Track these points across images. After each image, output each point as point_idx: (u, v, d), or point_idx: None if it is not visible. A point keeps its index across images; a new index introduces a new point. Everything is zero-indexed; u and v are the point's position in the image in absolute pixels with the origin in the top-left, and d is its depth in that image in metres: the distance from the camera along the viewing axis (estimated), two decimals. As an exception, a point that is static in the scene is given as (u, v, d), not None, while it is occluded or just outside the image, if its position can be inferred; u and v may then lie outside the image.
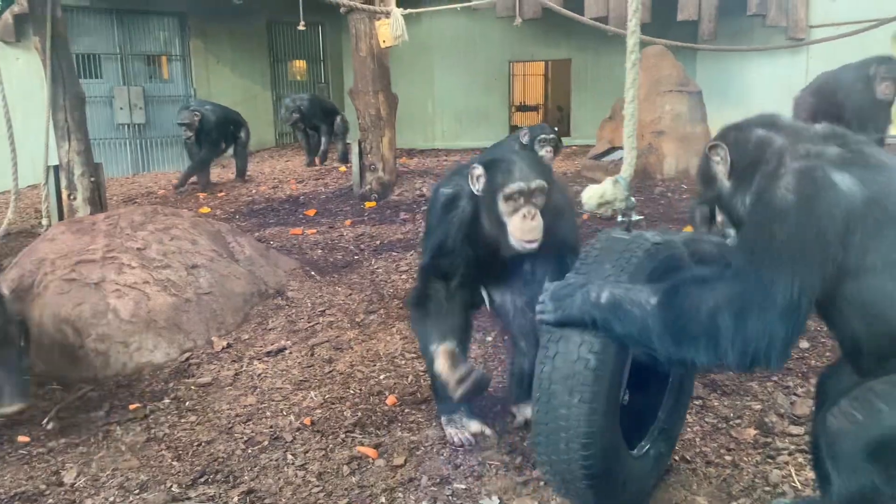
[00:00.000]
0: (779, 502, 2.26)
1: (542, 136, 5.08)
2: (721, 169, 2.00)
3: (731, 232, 2.10)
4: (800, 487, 2.36)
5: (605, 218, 2.46)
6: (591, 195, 2.38)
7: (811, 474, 2.39)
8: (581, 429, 1.97)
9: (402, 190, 7.48)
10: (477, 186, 2.50)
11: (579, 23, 7.48)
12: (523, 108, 14.52)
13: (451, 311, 2.70)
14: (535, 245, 2.42)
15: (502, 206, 2.44)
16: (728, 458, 2.55)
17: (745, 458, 2.53)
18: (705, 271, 1.88)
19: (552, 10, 7.45)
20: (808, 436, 2.62)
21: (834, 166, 1.69)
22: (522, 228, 2.42)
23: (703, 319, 1.72)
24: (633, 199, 2.42)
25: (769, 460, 2.52)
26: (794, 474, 2.42)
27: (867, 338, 1.72)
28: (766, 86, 9.56)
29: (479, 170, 2.48)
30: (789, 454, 2.54)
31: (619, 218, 2.39)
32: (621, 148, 6.49)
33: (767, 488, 2.37)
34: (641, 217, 2.48)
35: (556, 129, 5.32)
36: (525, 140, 5.08)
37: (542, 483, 2.50)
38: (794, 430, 2.70)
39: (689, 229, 5.39)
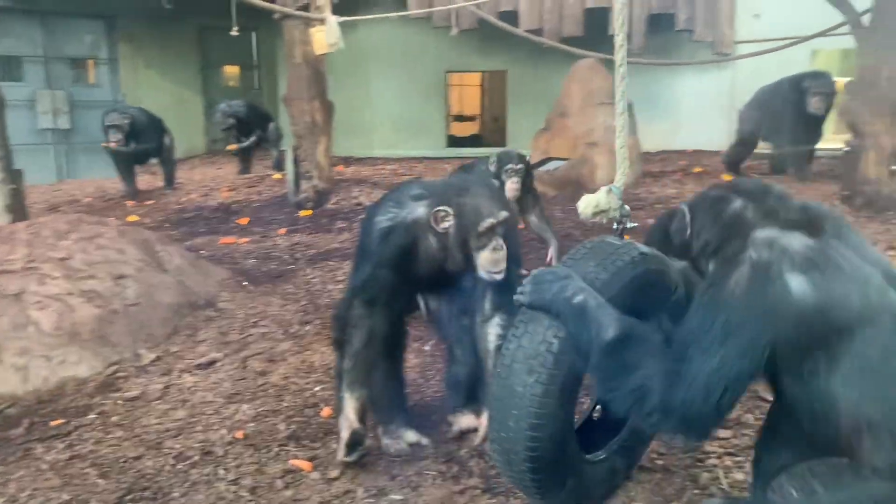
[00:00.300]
0: (708, 502, 2.32)
1: (510, 166, 4.69)
2: (687, 230, 2.03)
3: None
4: (728, 489, 2.42)
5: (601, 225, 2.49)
6: (586, 204, 2.44)
7: (739, 476, 2.46)
8: (532, 409, 2.01)
9: (338, 198, 7.42)
10: (442, 225, 2.51)
11: (515, 34, 7.57)
12: (460, 118, 14.60)
13: (371, 352, 2.67)
14: (502, 275, 2.49)
15: (473, 243, 2.49)
16: (660, 462, 2.59)
17: (676, 463, 2.59)
18: (656, 336, 1.89)
19: (488, 22, 7.52)
20: (734, 439, 2.70)
21: (793, 267, 1.69)
22: (492, 260, 2.49)
23: (634, 383, 1.79)
24: (626, 207, 2.48)
25: (698, 464, 2.58)
26: (722, 476, 2.48)
27: (810, 429, 1.75)
28: (694, 99, 9.89)
29: (444, 212, 2.50)
30: (717, 457, 2.61)
31: (614, 225, 2.45)
32: (556, 158, 6.50)
33: (697, 491, 2.42)
34: (636, 224, 2.55)
35: (525, 156, 4.94)
36: (493, 168, 4.73)
37: (478, 491, 2.50)
38: (723, 433, 2.77)
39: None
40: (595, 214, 2.42)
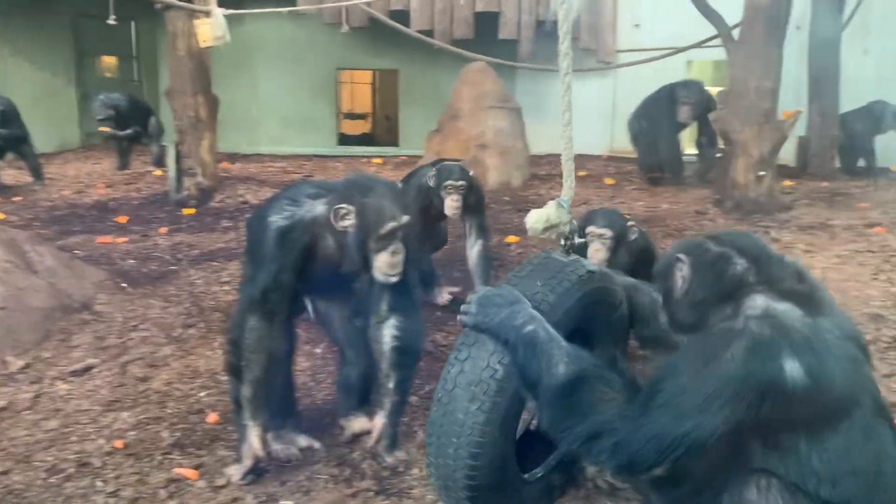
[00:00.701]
0: None
1: (450, 182, 4.14)
2: (679, 282, 1.92)
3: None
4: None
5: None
6: (536, 219, 2.31)
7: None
8: (473, 437, 1.96)
9: (223, 196, 7.19)
10: (342, 224, 2.44)
11: (406, 34, 7.59)
12: (351, 115, 14.47)
13: (271, 374, 2.58)
14: (398, 278, 2.47)
15: (372, 245, 2.44)
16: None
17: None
18: (607, 375, 1.82)
19: (379, 20, 7.50)
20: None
21: (791, 350, 1.62)
22: (390, 263, 2.45)
23: (586, 427, 1.73)
24: (574, 222, 2.39)
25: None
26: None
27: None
28: (579, 105, 10.18)
29: (346, 209, 2.43)
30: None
31: (562, 241, 2.34)
32: (449, 159, 6.55)
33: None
34: (583, 240, 2.49)
35: (469, 171, 4.32)
36: (431, 182, 4.19)
37: (371, 493, 2.49)
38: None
39: (513, 239, 5.61)
40: (546, 230, 2.31)
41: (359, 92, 15.14)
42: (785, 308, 1.70)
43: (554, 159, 9.99)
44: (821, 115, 7.99)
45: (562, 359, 1.83)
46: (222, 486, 2.53)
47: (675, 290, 1.92)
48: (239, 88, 10.58)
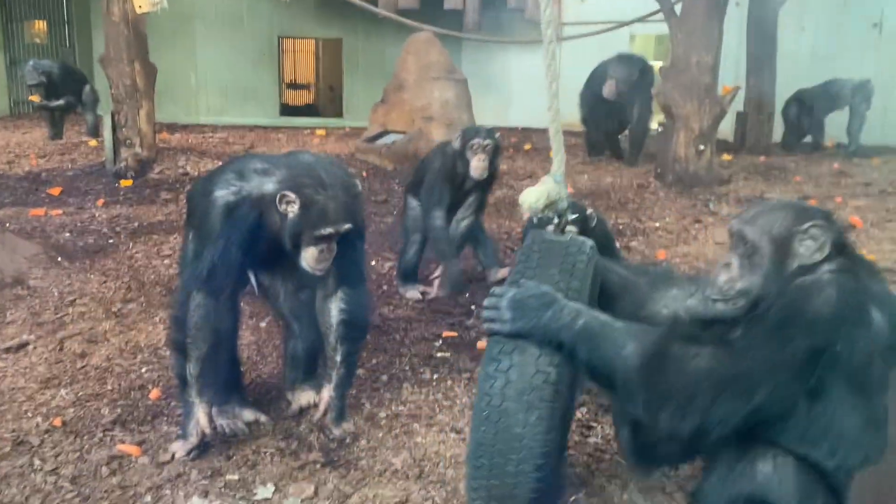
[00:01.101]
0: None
1: (476, 140, 3.95)
2: (808, 249, 1.80)
3: None
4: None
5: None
6: (537, 197, 2.20)
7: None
8: (536, 449, 1.81)
9: (162, 167, 7.00)
10: (286, 209, 2.37)
11: (350, 3, 7.45)
12: (294, 86, 14.20)
13: (218, 352, 2.52)
14: (324, 272, 2.45)
15: (306, 238, 2.38)
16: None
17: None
18: (698, 336, 1.77)
19: (323, -12, 7.34)
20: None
21: (872, 301, 1.64)
22: (318, 259, 2.40)
23: (683, 391, 1.66)
24: (569, 198, 2.30)
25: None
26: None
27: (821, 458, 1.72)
28: (525, 77, 10.22)
29: (292, 197, 2.34)
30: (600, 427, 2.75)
31: (555, 219, 2.26)
32: (395, 131, 6.34)
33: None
34: (576, 216, 2.41)
35: (495, 132, 4.11)
36: (457, 145, 4.01)
37: (318, 466, 2.49)
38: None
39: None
40: (546, 208, 2.21)
41: (301, 61, 14.86)
42: (858, 269, 1.73)
43: (499, 132, 10.02)
44: (758, 90, 8.18)
45: (627, 338, 1.76)
46: (166, 462, 2.49)
47: (790, 262, 1.81)
48: (177, 57, 10.28)
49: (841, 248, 1.79)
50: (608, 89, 7.48)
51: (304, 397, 2.84)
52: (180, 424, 2.58)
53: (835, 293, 1.63)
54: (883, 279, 1.79)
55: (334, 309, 2.59)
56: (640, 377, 1.71)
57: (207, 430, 2.50)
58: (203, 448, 2.52)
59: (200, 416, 2.49)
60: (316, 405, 2.73)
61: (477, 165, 3.95)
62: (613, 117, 7.94)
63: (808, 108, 8.19)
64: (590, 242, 2.04)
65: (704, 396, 1.64)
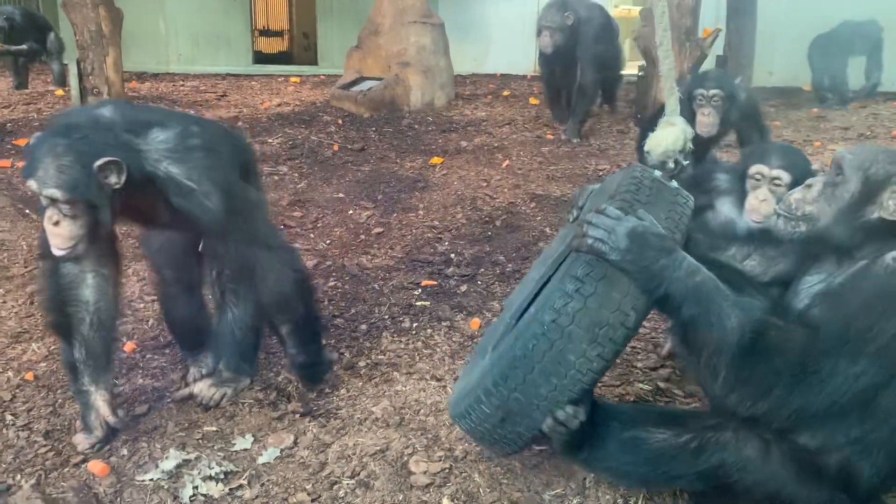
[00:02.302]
0: None
1: (700, 91, 3.39)
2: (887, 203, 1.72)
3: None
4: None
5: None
6: (674, 139, 2.09)
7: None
8: (583, 383, 1.76)
9: (133, 118, 6.81)
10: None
11: (322, -55, 7.21)
12: (267, 32, 13.83)
13: (107, 328, 2.29)
14: (64, 252, 2.06)
15: None
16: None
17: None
18: (788, 327, 1.70)
19: (294, -71, 7.07)
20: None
21: None
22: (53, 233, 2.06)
23: (767, 375, 1.63)
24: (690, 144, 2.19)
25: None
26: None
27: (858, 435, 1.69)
28: (502, 23, 10.02)
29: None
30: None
31: (670, 164, 2.16)
32: (370, 78, 6.17)
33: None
34: (688, 163, 2.28)
35: (731, 79, 3.58)
36: (681, 94, 3.22)
37: (297, 416, 2.47)
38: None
39: (437, 160, 5.53)
40: (682, 149, 2.11)
41: (274, 7, 14.44)
42: None
43: (478, 79, 9.90)
44: (739, 34, 8.07)
45: (732, 310, 1.66)
46: (142, 414, 2.46)
47: (870, 209, 1.73)
48: (144, 3, 9.93)
49: None
50: (542, 42, 6.20)
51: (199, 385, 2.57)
52: (81, 416, 2.33)
53: None
54: None
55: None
56: (732, 353, 1.64)
57: (111, 419, 2.27)
58: (109, 439, 2.29)
59: (100, 404, 2.26)
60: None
61: (701, 121, 3.33)
62: (563, 75, 6.57)
63: (824, 58, 7.54)
64: (692, 198, 1.93)
65: (785, 384, 1.61)
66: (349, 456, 2.25)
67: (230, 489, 2.11)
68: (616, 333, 1.72)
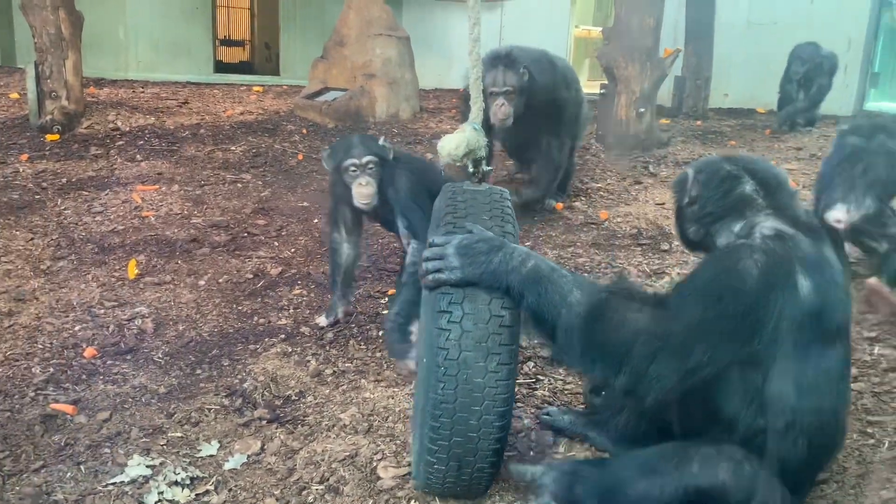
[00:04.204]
0: (548, 410, 2.43)
1: (353, 161, 2.96)
2: (690, 195, 1.98)
3: None
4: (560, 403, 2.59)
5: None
6: (456, 144, 2.13)
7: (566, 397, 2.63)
8: (500, 395, 1.77)
9: (91, 122, 6.69)
10: None
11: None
12: (228, 42, 13.73)
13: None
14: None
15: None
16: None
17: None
18: (639, 295, 1.80)
19: (260, -62, 7.05)
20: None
21: (803, 268, 1.66)
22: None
23: (620, 344, 1.67)
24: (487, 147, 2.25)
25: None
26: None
27: (741, 423, 1.75)
28: (465, 38, 10.11)
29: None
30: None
31: (470, 168, 2.20)
32: (335, 88, 6.17)
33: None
34: (491, 168, 2.37)
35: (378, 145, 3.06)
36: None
37: (264, 422, 2.44)
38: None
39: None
40: (465, 156, 2.15)
41: (236, 17, 14.36)
42: (794, 233, 1.75)
43: (441, 93, 9.96)
44: (696, 55, 8.28)
45: (573, 285, 1.74)
46: (105, 420, 2.41)
47: (686, 204, 1.99)
48: (104, 8, 9.77)
49: (784, 209, 1.82)
50: (498, 113, 4.14)
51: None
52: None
53: (762, 258, 1.65)
54: (825, 239, 1.82)
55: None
56: (581, 325, 1.71)
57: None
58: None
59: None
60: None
61: (358, 192, 2.97)
62: (523, 149, 4.83)
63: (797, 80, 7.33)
64: (506, 190, 2.03)
65: (640, 353, 1.65)
66: (318, 462, 2.23)
67: (196, 495, 2.07)
68: (502, 337, 1.76)
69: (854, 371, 2.68)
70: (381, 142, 3.03)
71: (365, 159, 2.92)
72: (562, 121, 4.51)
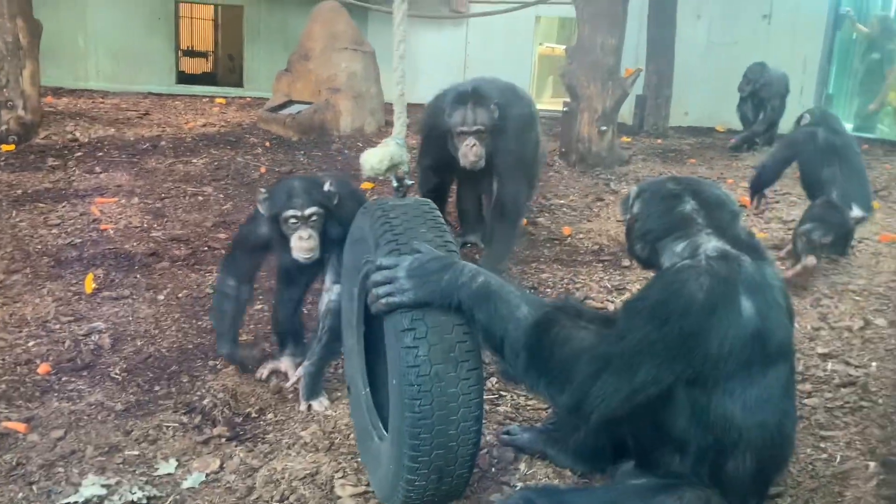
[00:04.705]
0: (509, 428, 2.44)
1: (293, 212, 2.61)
2: (633, 213, 2.04)
3: None
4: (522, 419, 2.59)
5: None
6: (380, 158, 2.16)
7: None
8: (475, 399, 1.81)
9: (49, 132, 6.57)
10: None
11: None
12: (191, 52, 13.59)
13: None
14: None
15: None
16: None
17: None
18: (587, 313, 1.84)
19: (225, -50, 7.03)
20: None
21: (746, 290, 1.70)
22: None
23: (565, 362, 1.70)
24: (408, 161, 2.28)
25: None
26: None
27: (691, 442, 1.77)
28: (432, 53, 10.17)
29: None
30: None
31: (394, 183, 2.23)
32: (300, 102, 6.17)
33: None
34: (413, 182, 2.38)
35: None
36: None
37: (223, 440, 2.41)
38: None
39: (368, 185, 5.54)
40: (388, 170, 2.19)
41: (200, 28, 14.23)
42: (737, 253, 1.78)
43: (408, 108, 9.93)
44: (657, 75, 8.44)
45: (521, 301, 1.78)
46: (59, 439, 2.35)
47: (629, 220, 2.04)
48: (63, 17, 9.62)
49: (725, 229, 1.86)
50: (467, 155, 3.72)
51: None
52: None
53: (707, 281, 1.68)
54: (767, 258, 1.86)
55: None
56: (527, 342, 1.73)
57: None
58: None
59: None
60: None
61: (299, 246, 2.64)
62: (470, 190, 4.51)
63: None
64: (431, 202, 2.07)
65: (584, 371, 1.68)
66: (278, 480, 2.20)
67: (153, 515, 2.04)
68: (471, 343, 1.81)
69: (808, 387, 2.75)
70: (326, 187, 2.65)
71: (308, 211, 2.57)
72: (524, 164, 4.05)
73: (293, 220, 2.59)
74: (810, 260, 3.74)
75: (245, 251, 2.83)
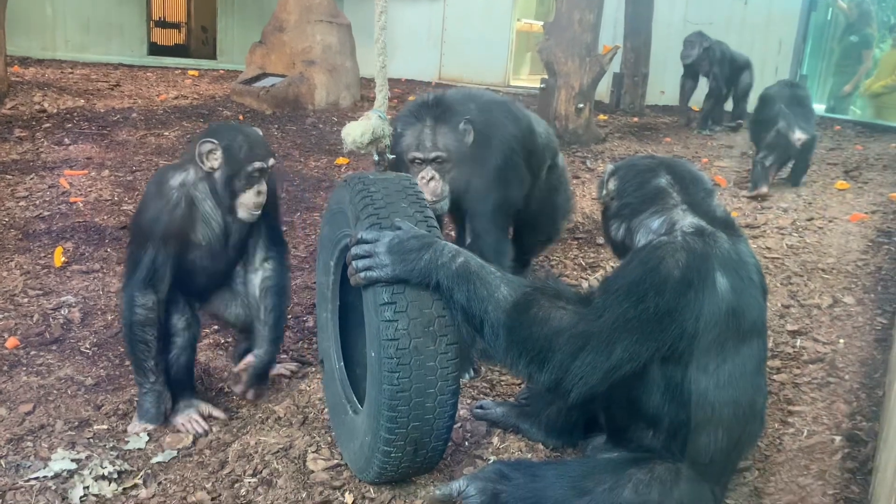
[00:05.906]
0: (482, 403, 2.45)
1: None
2: (609, 190, 2.03)
3: None
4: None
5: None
6: (362, 132, 2.13)
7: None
8: (452, 373, 1.83)
9: (15, 103, 6.42)
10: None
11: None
12: (163, 23, 13.32)
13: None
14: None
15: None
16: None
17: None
18: (565, 293, 1.82)
19: (197, -82, 6.87)
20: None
21: (722, 266, 1.71)
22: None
23: (545, 341, 1.71)
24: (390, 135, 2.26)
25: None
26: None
27: (664, 418, 1.80)
28: (409, 29, 10.09)
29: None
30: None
31: (375, 157, 2.21)
32: (274, 74, 6.08)
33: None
34: (394, 157, 2.35)
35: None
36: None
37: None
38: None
39: (342, 161, 5.50)
40: (370, 143, 2.16)
41: (172, -1, 13.94)
42: (713, 230, 1.79)
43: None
44: (634, 53, 8.45)
45: (501, 281, 1.79)
46: (28, 413, 2.32)
47: (605, 197, 2.04)
48: (30, -17, 9.37)
49: (700, 205, 1.88)
50: (428, 189, 2.67)
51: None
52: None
53: (683, 257, 1.70)
54: (741, 236, 1.88)
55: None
56: (507, 322, 1.75)
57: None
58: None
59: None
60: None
61: (255, 201, 2.35)
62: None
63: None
64: (410, 176, 2.08)
65: (564, 350, 1.70)
66: (251, 454, 2.19)
67: (124, 489, 2.02)
68: (447, 317, 1.82)
69: (777, 363, 2.79)
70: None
71: (270, 162, 2.33)
72: (505, 208, 2.88)
73: (257, 174, 2.29)
74: (763, 189, 4.95)
75: (160, 242, 2.26)
